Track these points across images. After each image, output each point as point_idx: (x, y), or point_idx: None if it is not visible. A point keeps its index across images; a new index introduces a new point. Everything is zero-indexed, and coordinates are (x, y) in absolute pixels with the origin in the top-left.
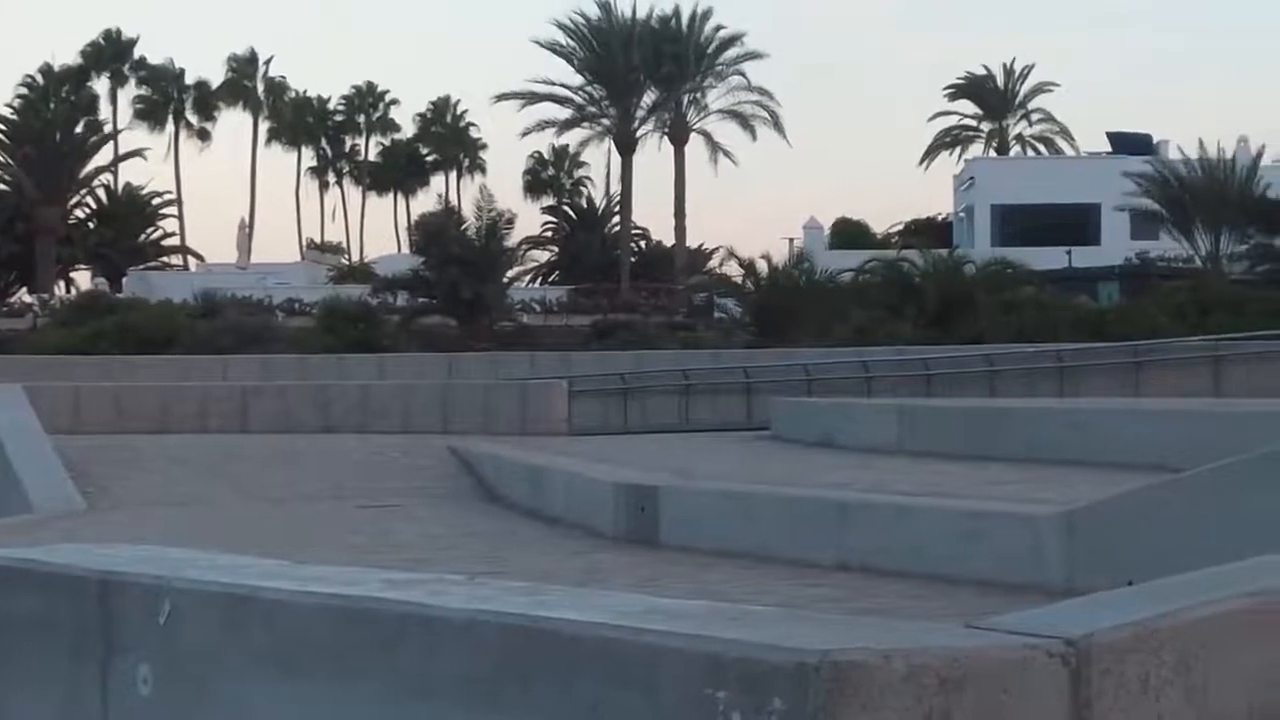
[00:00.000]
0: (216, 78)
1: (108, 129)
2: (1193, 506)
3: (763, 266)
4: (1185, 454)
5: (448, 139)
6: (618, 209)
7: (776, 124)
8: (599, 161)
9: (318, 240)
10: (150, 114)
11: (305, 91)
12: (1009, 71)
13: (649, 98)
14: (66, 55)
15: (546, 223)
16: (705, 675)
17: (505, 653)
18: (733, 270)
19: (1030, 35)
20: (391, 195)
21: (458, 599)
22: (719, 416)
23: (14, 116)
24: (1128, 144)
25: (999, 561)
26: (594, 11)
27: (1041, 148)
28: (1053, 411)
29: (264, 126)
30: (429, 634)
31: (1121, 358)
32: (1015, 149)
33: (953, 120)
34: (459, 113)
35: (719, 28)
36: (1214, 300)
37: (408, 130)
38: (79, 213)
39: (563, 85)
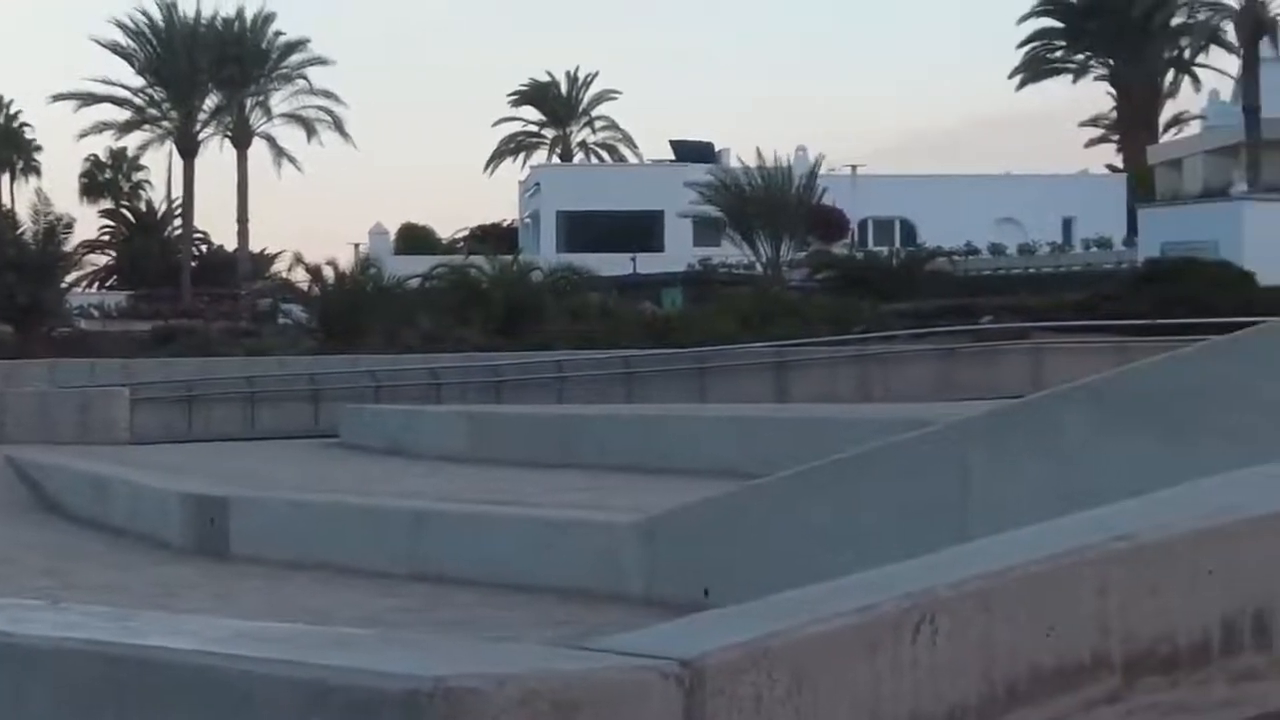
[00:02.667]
0: None
1: None
2: (768, 513)
3: (329, 272)
4: (757, 460)
5: (0, 141)
6: (179, 213)
7: (341, 129)
8: (160, 165)
9: None
10: None
11: None
12: (573, 79)
13: (212, 101)
14: None
15: (104, 226)
16: (308, 703)
17: (96, 682)
18: (299, 276)
19: (594, 43)
20: None
21: (42, 625)
22: (286, 424)
23: None
24: (690, 152)
25: (577, 570)
26: (156, 12)
27: (605, 155)
28: (624, 418)
29: None
30: (14, 663)
31: (688, 364)
32: (579, 156)
33: (517, 126)
34: (13, 113)
35: (279, 33)
36: (776, 306)
37: None
38: None
39: (123, 86)
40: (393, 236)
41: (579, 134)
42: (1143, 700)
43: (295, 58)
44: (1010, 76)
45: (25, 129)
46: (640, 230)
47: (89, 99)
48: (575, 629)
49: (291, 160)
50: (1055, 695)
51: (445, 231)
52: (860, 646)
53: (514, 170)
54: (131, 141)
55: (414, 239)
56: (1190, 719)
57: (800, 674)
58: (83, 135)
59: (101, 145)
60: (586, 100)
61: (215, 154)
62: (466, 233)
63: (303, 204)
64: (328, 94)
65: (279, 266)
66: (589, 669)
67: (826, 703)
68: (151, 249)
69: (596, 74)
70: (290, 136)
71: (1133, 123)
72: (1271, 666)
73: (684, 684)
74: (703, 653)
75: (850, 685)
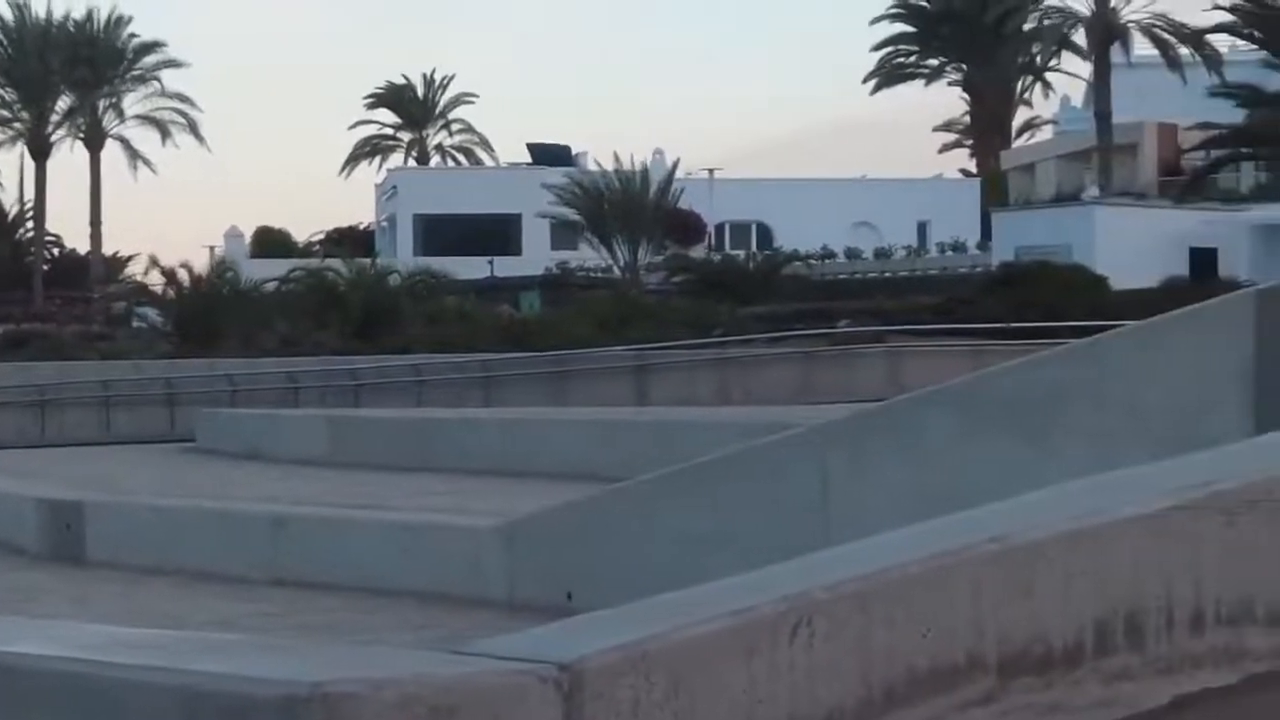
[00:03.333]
0: None
1: None
2: (630, 517)
3: (184, 275)
4: (618, 464)
5: None
6: (30, 216)
7: (195, 131)
8: (12, 167)
9: None
10: None
11: None
12: (429, 82)
13: (64, 102)
14: None
15: None
16: (181, 710)
17: None
18: (154, 279)
19: (451, 47)
20: None
21: None
22: (142, 428)
23: None
24: (547, 155)
25: (439, 574)
26: (7, 12)
27: (462, 158)
28: (483, 421)
29: None
30: None
31: (546, 367)
32: (436, 159)
33: (373, 129)
34: None
35: (133, 35)
36: (633, 310)
37: None
38: None
39: None
40: (248, 239)
41: (435, 137)
42: (1017, 701)
43: (149, 59)
44: (865, 81)
45: None
46: (498, 233)
47: None
48: (438, 633)
49: (146, 162)
50: (931, 697)
51: (301, 235)
52: (738, 649)
53: (370, 173)
54: None
55: (270, 242)
56: (1065, 719)
57: (678, 677)
58: None
59: None
60: (443, 103)
61: (68, 156)
62: (323, 236)
63: (157, 207)
64: (182, 96)
65: (133, 269)
66: (467, 673)
67: (704, 706)
68: (2, 252)
69: (453, 77)
70: (145, 138)
71: (986, 127)
72: (1144, 667)
73: (562, 688)
74: (581, 656)
75: (728, 688)
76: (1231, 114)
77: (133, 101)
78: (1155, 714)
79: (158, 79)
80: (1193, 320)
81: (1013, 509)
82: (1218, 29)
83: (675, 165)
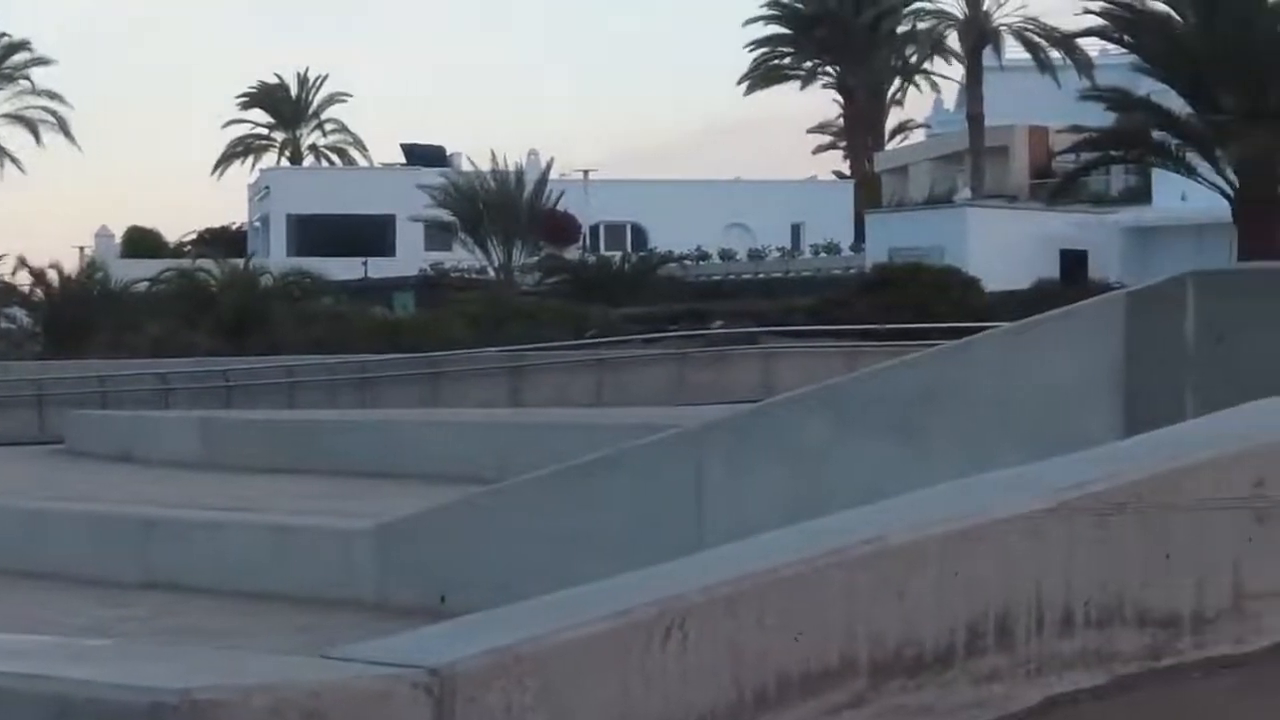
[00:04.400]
0: None
1: None
2: (504, 518)
3: (54, 276)
4: (493, 465)
5: None
6: None
7: (66, 130)
8: None
9: None
10: None
11: None
12: (303, 81)
13: None
14: None
15: None
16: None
17: None
18: (22, 279)
19: (324, 46)
20: None
21: None
22: (10, 430)
23: None
24: (421, 156)
25: (312, 576)
26: None
27: (336, 158)
28: (358, 423)
29: None
30: None
31: (421, 368)
32: (309, 159)
33: (246, 129)
34: None
35: (2, 34)
36: (508, 311)
37: None
38: None
39: None
40: (119, 240)
41: (309, 137)
42: (889, 703)
43: (17, 57)
44: (739, 83)
45: None
46: (372, 234)
47: None
48: (311, 636)
49: (14, 161)
50: (803, 700)
51: (174, 235)
52: (611, 652)
53: (244, 173)
54: None
55: (141, 242)
56: None
57: (551, 681)
58: None
59: None
60: (317, 103)
61: None
62: (195, 236)
63: (25, 206)
64: (52, 94)
65: (0, 270)
66: (337, 678)
67: (576, 710)
68: None
69: (326, 77)
70: (12, 137)
71: (859, 130)
72: (1015, 668)
73: (433, 693)
74: (452, 660)
75: (601, 692)
76: (1102, 117)
77: (1, 100)
78: (1026, 715)
79: (28, 77)
80: (1064, 322)
81: (887, 510)
82: (1088, 33)
83: (549, 166)
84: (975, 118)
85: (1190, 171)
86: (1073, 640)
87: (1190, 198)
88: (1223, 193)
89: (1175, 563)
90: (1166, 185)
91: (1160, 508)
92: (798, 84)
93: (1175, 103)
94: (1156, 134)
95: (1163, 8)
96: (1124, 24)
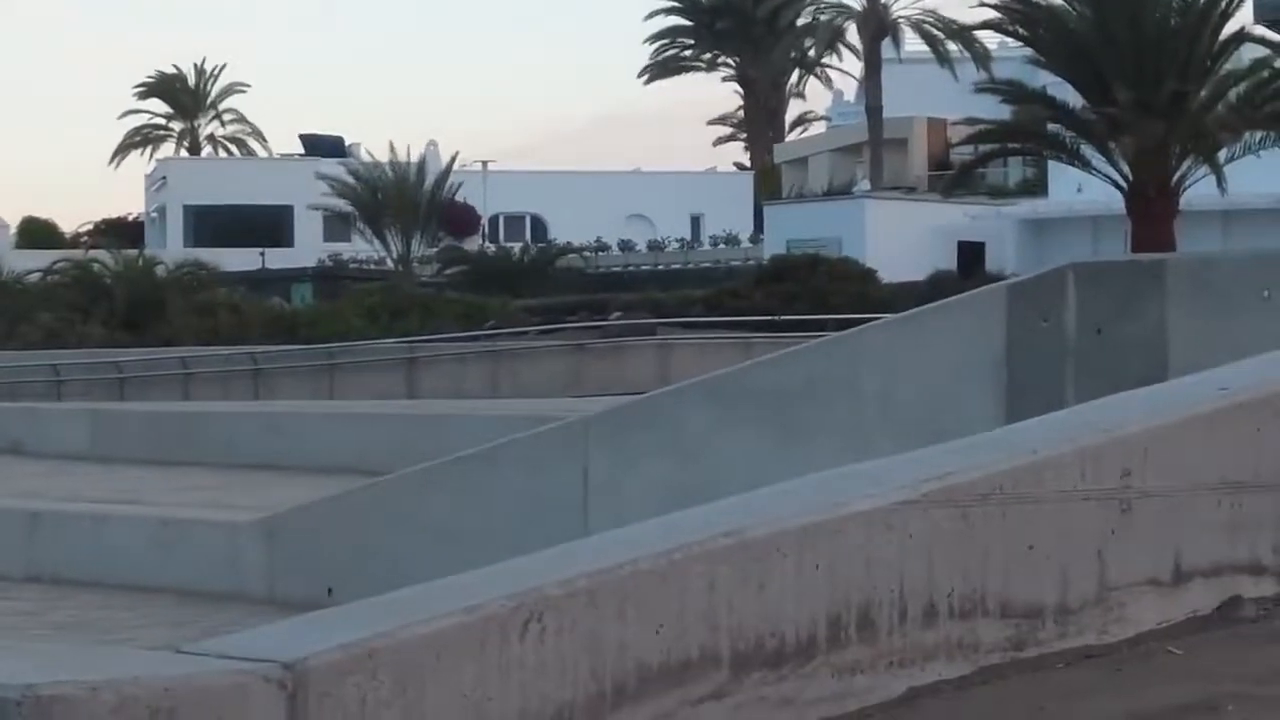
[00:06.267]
0: None
1: None
2: (391, 510)
3: None
4: (385, 457)
5: None
6: None
7: None
8: None
9: None
10: None
11: None
12: (200, 71)
13: None
14: None
15: None
16: None
17: None
18: None
19: (222, 35)
20: None
21: None
22: None
23: None
24: (320, 146)
25: (198, 570)
26: None
27: (234, 148)
28: (251, 415)
29: None
30: None
31: (316, 360)
32: (207, 149)
33: (144, 119)
34: None
35: None
36: (406, 302)
37: None
38: None
39: None
40: (13, 230)
41: (207, 127)
42: (750, 695)
43: None
44: (640, 75)
45: None
46: (270, 225)
47: None
48: (194, 629)
49: None
50: (663, 692)
51: (69, 226)
52: (467, 646)
53: (141, 164)
54: None
55: (36, 233)
56: (796, 712)
57: (406, 675)
58: None
59: None
60: (215, 93)
61: None
62: (91, 227)
63: None
64: None
65: None
66: (188, 674)
67: (433, 703)
68: None
69: (224, 66)
70: None
71: (759, 121)
72: (877, 659)
73: (286, 687)
74: (305, 655)
75: (457, 685)
76: (1000, 110)
77: None
78: (889, 706)
79: None
80: (946, 313)
81: (751, 502)
82: (985, 26)
83: (454, 158)
84: (874, 110)
85: (1085, 164)
86: (936, 631)
87: (1086, 190)
88: (1116, 185)
89: (1038, 554)
90: (1063, 177)
91: (1022, 499)
92: (699, 75)
93: (1071, 95)
94: (1051, 126)
95: (1057, 1)
96: (1019, 17)
